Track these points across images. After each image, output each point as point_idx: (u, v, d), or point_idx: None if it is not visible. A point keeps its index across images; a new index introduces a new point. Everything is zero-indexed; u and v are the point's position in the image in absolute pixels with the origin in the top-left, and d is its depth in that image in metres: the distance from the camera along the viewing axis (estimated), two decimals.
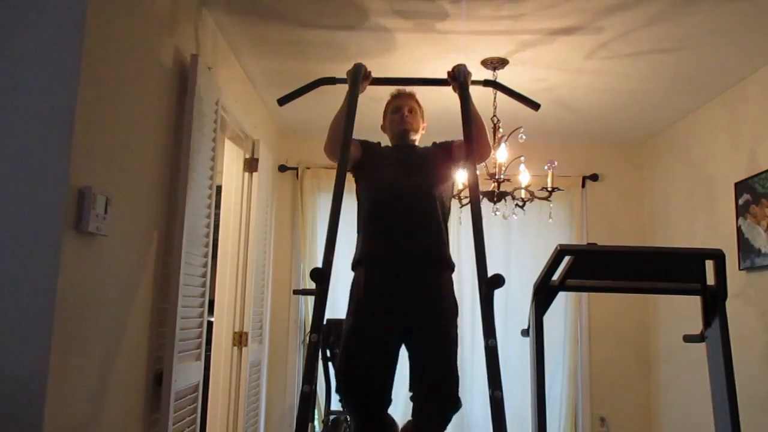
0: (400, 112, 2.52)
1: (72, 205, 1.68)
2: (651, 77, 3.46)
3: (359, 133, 2.29)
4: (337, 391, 2.34)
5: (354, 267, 2.41)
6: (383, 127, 2.62)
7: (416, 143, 2.54)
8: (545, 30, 2.91)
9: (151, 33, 2.23)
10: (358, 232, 2.43)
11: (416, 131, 2.53)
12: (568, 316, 4.55)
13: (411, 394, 2.29)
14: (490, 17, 2.80)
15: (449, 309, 2.32)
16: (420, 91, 2.60)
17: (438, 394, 2.25)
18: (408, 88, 2.60)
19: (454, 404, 2.26)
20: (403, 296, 2.26)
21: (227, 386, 3.42)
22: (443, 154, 2.47)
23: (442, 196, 2.41)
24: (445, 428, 2.28)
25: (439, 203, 2.38)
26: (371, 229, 2.36)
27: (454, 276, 2.40)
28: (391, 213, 2.34)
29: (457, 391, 2.26)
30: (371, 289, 2.30)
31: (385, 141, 2.61)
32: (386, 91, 2.61)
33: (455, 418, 2.30)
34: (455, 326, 2.32)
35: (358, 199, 2.48)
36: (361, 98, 2.32)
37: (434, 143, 2.55)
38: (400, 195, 2.35)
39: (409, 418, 2.35)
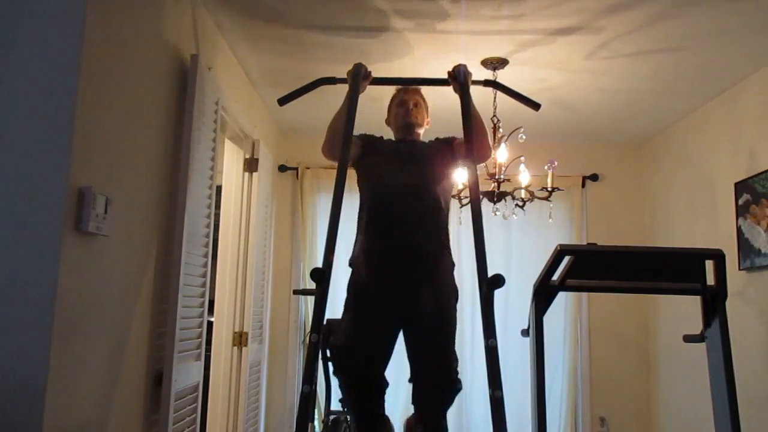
0: (406, 105, 2.52)
1: (72, 205, 1.68)
2: (651, 77, 3.46)
3: (358, 131, 2.28)
4: (335, 372, 2.33)
5: (352, 262, 2.41)
6: (387, 121, 2.62)
7: (419, 138, 2.55)
8: (545, 30, 2.91)
9: (151, 33, 2.23)
10: (358, 226, 2.43)
11: (420, 125, 2.53)
12: (568, 316, 4.55)
13: (410, 378, 2.29)
14: (490, 17, 2.80)
15: (449, 291, 2.33)
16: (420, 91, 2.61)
17: (438, 374, 2.24)
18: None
19: (454, 384, 2.24)
20: (404, 280, 2.27)
21: (227, 386, 3.42)
22: (445, 150, 2.47)
23: (443, 193, 2.42)
24: (446, 410, 2.27)
25: (440, 200, 2.39)
26: (371, 226, 2.37)
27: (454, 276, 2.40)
28: (391, 210, 2.34)
29: (456, 370, 2.25)
30: (372, 274, 2.31)
31: (388, 135, 2.61)
32: (386, 91, 2.61)
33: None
34: (455, 308, 2.33)
35: (359, 191, 2.49)
36: (361, 98, 2.32)
37: (437, 138, 2.55)
38: (401, 192, 2.35)
39: (410, 413, 2.35)
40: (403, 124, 2.52)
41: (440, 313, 2.27)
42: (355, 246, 2.43)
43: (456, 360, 2.27)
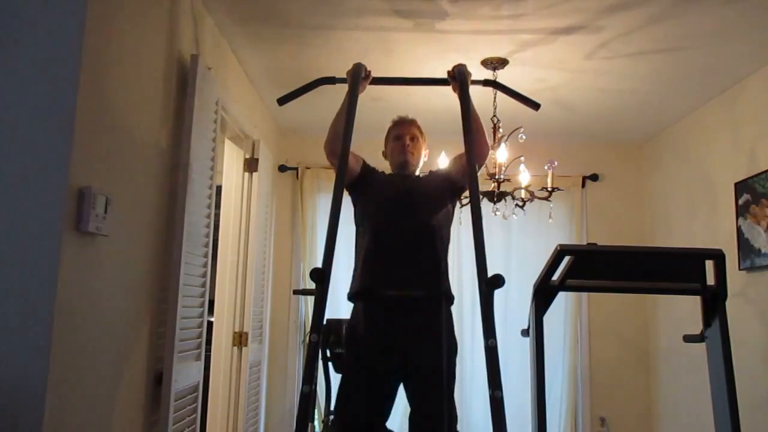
0: (402, 140, 2.48)
1: (72, 205, 1.68)
2: (651, 77, 3.46)
3: (359, 131, 2.27)
4: (334, 427, 2.31)
5: (351, 299, 2.39)
6: (384, 154, 2.59)
7: (416, 172, 2.52)
8: (545, 30, 2.91)
9: (151, 33, 2.23)
10: (356, 260, 2.39)
11: (417, 160, 2.51)
12: (568, 316, 4.55)
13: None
14: (490, 17, 2.80)
15: (449, 348, 2.30)
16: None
17: (437, 430, 2.21)
18: (410, 115, 2.57)
19: None
20: (404, 335, 2.25)
21: (227, 386, 3.42)
22: (442, 182, 2.45)
23: (442, 227, 2.38)
24: None
25: (439, 235, 2.35)
26: (369, 263, 2.33)
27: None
28: (390, 247, 2.31)
29: (455, 426, 2.23)
30: (371, 327, 2.28)
31: (387, 166, 2.59)
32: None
33: None
34: (454, 364, 2.30)
35: (356, 225, 2.44)
36: (361, 98, 2.32)
37: (431, 171, 2.53)
38: (399, 228, 2.32)
39: None
40: (400, 161, 2.49)
41: (441, 369, 2.24)
42: (353, 279, 2.39)
43: (456, 416, 2.26)
